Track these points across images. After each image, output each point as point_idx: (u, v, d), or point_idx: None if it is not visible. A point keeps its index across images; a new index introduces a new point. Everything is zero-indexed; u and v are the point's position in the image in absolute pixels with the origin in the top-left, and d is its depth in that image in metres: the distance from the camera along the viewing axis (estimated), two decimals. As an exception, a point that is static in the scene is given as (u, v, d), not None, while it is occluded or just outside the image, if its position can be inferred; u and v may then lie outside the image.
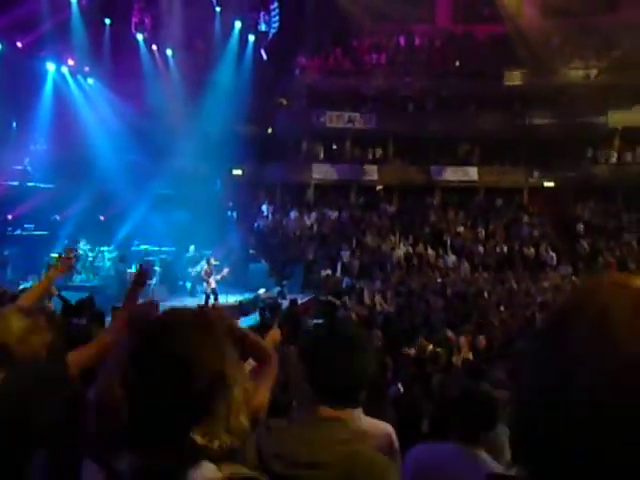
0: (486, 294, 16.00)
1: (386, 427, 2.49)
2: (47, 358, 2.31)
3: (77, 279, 15.59)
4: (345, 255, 20.14)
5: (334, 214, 23.33)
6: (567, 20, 23.57)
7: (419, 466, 2.50)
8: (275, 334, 2.95)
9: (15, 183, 16.87)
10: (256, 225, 22.81)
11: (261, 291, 15.98)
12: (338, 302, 13.79)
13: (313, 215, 23.15)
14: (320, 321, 9.11)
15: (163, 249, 17.89)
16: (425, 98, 25.50)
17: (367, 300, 15.21)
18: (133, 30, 21.20)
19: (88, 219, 16.93)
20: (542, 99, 24.11)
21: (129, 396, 1.20)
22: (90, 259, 16.41)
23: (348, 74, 25.61)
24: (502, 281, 18.19)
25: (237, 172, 23.98)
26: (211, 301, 13.91)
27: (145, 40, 21.58)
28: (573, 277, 18.83)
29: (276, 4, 23.21)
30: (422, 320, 11.70)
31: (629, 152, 23.71)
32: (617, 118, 23.25)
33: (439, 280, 18.13)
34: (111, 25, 20.79)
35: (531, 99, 24.46)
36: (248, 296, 15.49)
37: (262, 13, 23.21)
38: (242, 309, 13.53)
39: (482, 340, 8.33)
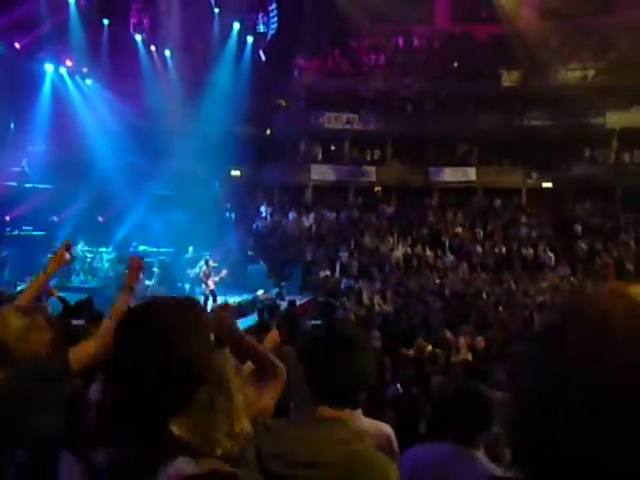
0: (485, 295, 16.05)
1: (385, 428, 2.50)
2: (48, 356, 2.30)
3: (75, 280, 15.60)
4: (344, 256, 20.12)
5: (332, 215, 23.31)
6: (565, 21, 23.61)
7: (415, 466, 2.50)
8: (274, 335, 2.96)
9: (13, 184, 16.85)
10: (254, 226, 22.78)
11: (260, 292, 15.99)
12: (337, 303, 13.80)
13: (311, 216, 23.13)
14: (319, 322, 9.10)
15: (162, 250, 17.83)
16: (424, 99, 25.49)
17: (366, 301, 15.23)
18: (131, 31, 21.20)
19: (86, 220, 16.88)
20: (540, 100, 24.13)
21: (113, 379, 1.20)
22: (89, 260, 16.41)
23: (346, 75, 25.60)
24: (500, 281, 18.23)
25: (235, 173, 23.96)
26: (210, 302, 13.90)
27: (143, 41, 21.58)
28: (571, 278, 18.87)
29: (274, 5, 23.22)
30: (421, 321, 11.73)
31: (627, 153, 23.71)
32: (615, 119, 23.28)
33: (437, 281, 18.16)
34: (109, 26, 20.75)
35: (529, 100, 24.47)
36: (247, 297, 15.48)
37: (260, 14, 23.23)
38: (241, 310, 13.50)
39: (481, 341, 8.33)
